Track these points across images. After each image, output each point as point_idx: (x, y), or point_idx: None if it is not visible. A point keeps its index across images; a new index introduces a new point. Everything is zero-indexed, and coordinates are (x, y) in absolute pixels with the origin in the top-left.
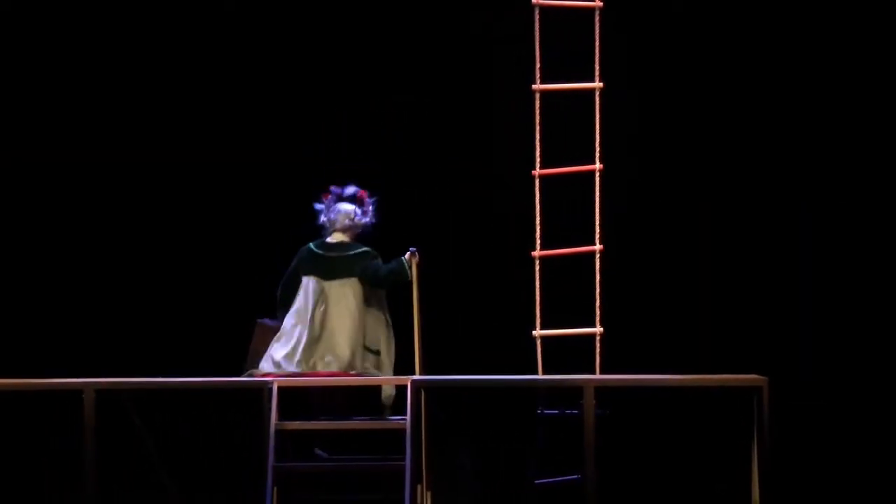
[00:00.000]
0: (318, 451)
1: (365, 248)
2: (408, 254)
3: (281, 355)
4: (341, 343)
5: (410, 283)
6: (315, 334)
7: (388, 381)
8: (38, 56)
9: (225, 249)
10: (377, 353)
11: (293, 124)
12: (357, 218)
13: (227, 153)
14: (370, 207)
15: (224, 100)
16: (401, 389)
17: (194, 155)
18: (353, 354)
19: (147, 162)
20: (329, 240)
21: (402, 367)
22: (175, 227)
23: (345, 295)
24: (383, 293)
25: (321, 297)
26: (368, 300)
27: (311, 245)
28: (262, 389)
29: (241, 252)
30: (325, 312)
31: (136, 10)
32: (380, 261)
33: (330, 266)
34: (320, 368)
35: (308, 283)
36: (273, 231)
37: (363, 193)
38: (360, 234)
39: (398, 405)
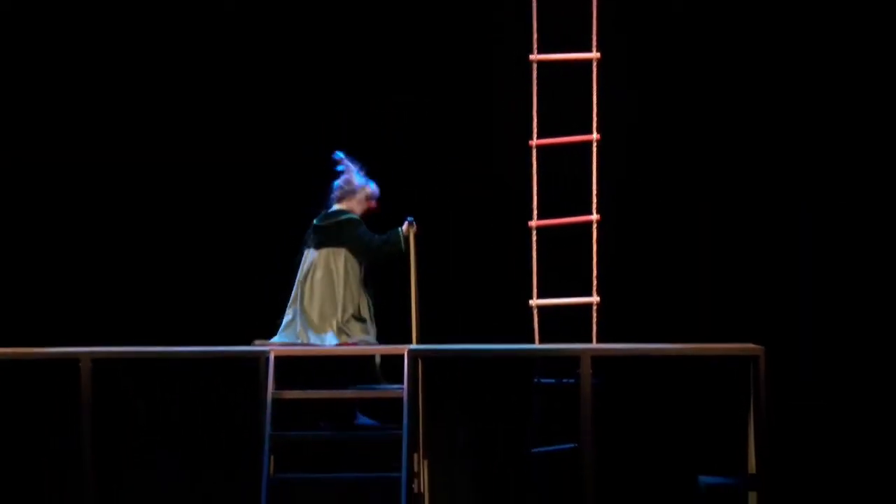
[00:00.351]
0: (322, 425)
1: (350, 215)
2: (405, 224)
3: (282, 325)
4: (315, 310)
5: (406, 254)
6: (304, 304)
7: (384, 350)
8: (38, 51)
9: (223, 224)
10: (363, 320)
11: (293, 124)
12: (344, 183)
13: (226, 152)
14: (349, 164)
15: (224, 100)
16: (398, 359)
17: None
18: (323, 321)
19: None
20: (329, 211)
21: (399, 336)
22: (175, 197)
23: (329, 263)
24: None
25: (311, 267)
26: (356, 268)
27: (316, 218)
28: (258, 359)
29: (239, 227)
30: (311, 280)
31: (137, 9)
32: (363, 229)
33: (321, 235)
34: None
35: (306, 254)
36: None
37: (339, 157)
38: (364, 198)
39: (396, 374)
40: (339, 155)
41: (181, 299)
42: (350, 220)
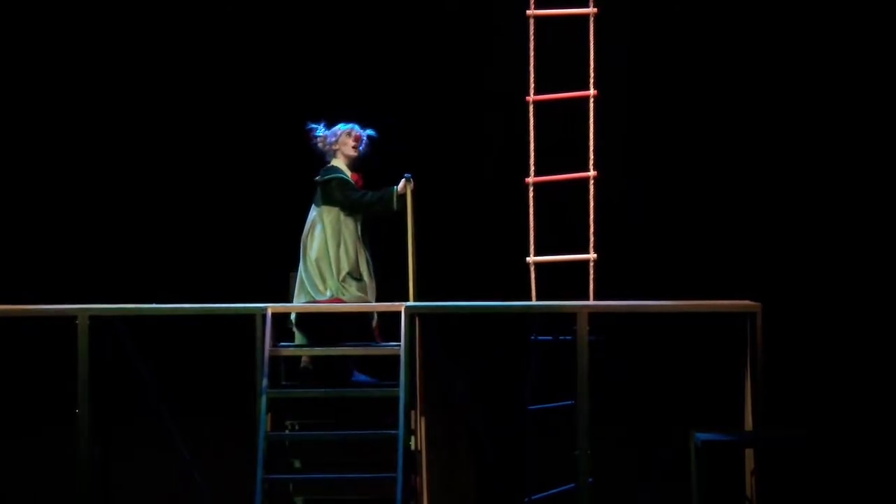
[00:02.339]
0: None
1: (338, 174)
2: (402, 182)
3: (296, 285)
4: (313, 267)
5: (401, 212)
6: (305, 261)
7: (381, 307)
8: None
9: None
10: (359, 279)
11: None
12: (323, 141)
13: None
14: (320, 127)
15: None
16: (394, 316)
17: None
18: (321, 279)
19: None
20: (324, 168)
21: (396, 293)
22: (176, 154)
23: (325, 220)
24: (357, 220)
25: (311, 224)
26: (350, 226)
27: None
28: (255, 316)
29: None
30: (311, 237)
31: None
32: (351, 185)
33: (318, 192)
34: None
35: (310, 211)
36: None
37: (310, 127)
38: (346, 139)
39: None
40: (309, 125)
41: (181, 257)
42: (338, 180)
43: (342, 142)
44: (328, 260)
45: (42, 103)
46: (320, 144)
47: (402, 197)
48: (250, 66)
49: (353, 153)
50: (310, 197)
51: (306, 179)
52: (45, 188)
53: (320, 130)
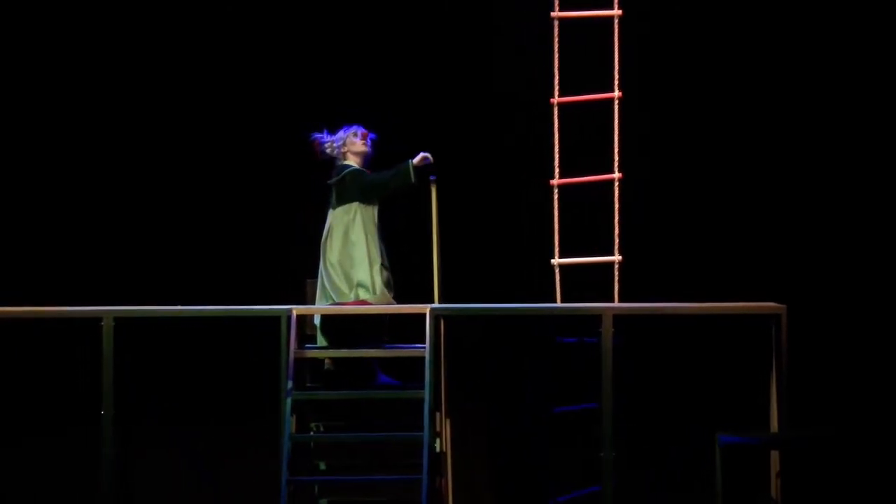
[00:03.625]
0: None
1: (353, 167)
2: (417, 157)
3: (318, 288)
4: (336, 269)
5: (417, 185)
6: (326, 264)
7: (406, 309)
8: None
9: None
10: (388, 268)
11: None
12: (331, 147)
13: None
14: (324, 135)
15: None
16: (420, 317)
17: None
18: (343, 280)
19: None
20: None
21: (421, 295)
22: (199, 157)
23: (345, 221)
24: (374, 213)
25: (329, 227)
26: (371, 224)
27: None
28: (279, 318)
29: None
30: (331, 240)
31: None
32: (366, 172)
33: (334, 194)
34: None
35: (328, 216)
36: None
37: (314, 138)
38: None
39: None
40: (312, 137)
41: (205, 259)
42: (351, 173)
43: (349, 142)
44: (351, 261)
45: (64, 107)
46: (328, 150)
47: (419, 169)
48: (272, 70)
49: (363, 149)
50: (327, 200)
51: (323, 183)
52: (70, 192)
53: (325, 137)
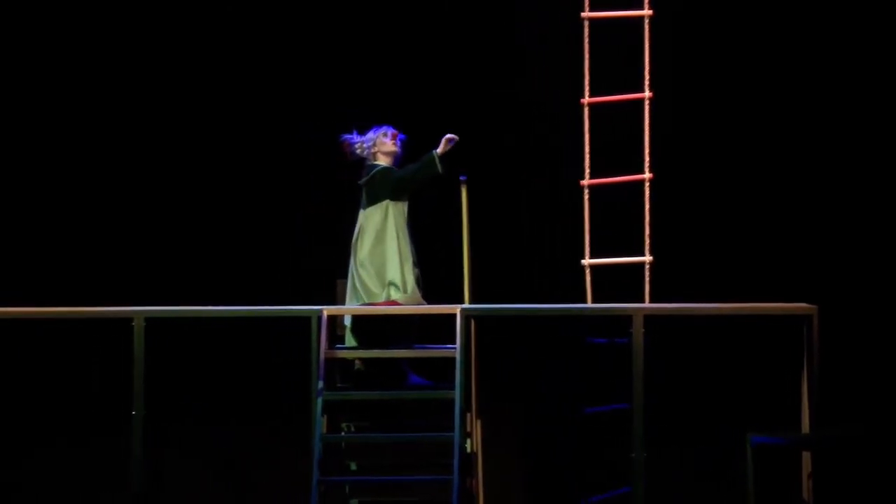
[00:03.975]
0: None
1: (381, 165)
2: (441, 145)
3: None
4: (365, 269)
5: (445, 175)
6: (356, 264)
7: (436, 310)
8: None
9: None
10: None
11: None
12: (360, 148)
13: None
14: (353, 136)
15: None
16: (450, 318)
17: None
18: (374, 279)
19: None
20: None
21: (452, 295)
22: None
23: (374, 221)
24: (405, 211)
25: (360, 227)
26: (401, 222)
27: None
28: (310, 318)
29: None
30: (361, 240)
31: None
32: (395, 169)
33: (364, 194)
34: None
35: (358, 216)
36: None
37: (343, 140)
38: (383, 139)
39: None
40: (342, 138)
41: (236, 260)
42: (380, 171)
43: (379, 142)
44: (382, 260)
45: (96, 113)
46: (358, 151)
47: (445, 158)
48: (303, 70)
49: (393, 149)
50: (357, 200)
51: (353, 184)
52: (99, 193)
53: (355, 138)
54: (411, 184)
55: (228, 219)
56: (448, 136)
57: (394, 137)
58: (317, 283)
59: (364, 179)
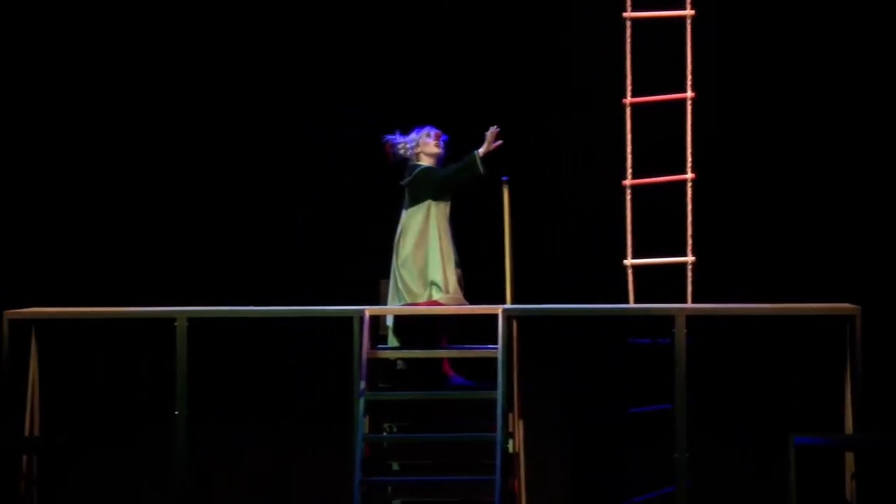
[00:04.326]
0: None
1: (423, 165)
2: (484, 144)
3: (389, 289)
4: (406, 269)
5: (487, 176)
6: (397, 264)
7: (478, 310)
8: None
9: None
10: (459, 266)
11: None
12: (403, 148)
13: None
14: (396, 137)
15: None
16: (493, 318)
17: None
18: (415, 279)
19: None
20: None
21: (493, 295)
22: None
23: (416, 222)
24: (447, 211)
25: (402, 228)
26: (443, 222)
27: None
28: (352, 318)
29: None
30: (403, 241)
31: None
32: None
33: (406, 194)
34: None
35: (400, 217)
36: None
37: (386, 140)
38: (426, 139)
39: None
40: (385, 139)
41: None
42: (422, 171)
43: (422, 143)
44: (425, 260)
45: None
46: (402, 152)
47: (487, 159)
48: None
49: (436, 150)
50: (399, 202)
51: (395, 185)
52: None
53: (398, 139)
54: (453, 183)
55: (273, 219)
56: (493, 129)
57: (437, 138)
58: (361, 283)
59: (406, 180)
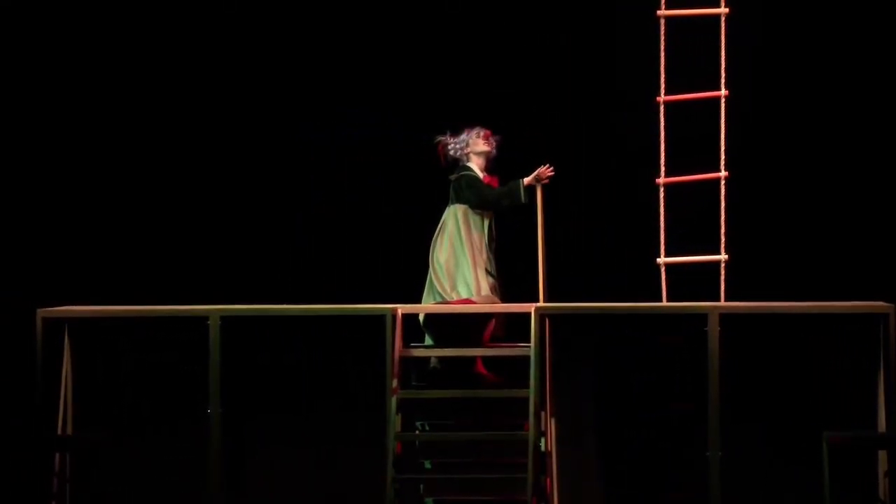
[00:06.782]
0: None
1: (467, 173)
2: (533, 175)
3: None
4: (442, 266)
5: (529, 204)
6: (434, 259)
7: (511, 308)
8: None
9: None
10: (493, 275)
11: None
12: (454, 149)
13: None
14: (447, 138)
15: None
16: (526, 317)
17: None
18: (449, 277)
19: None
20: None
21: (526, 294)
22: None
23: (455, 219)
24: (487, 221)
25: (442, 222)
26: (479, 224)
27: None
28: (384, 316)
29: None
30: (441, 236)
31: None
32: (479, 184)
33: (451, 191)
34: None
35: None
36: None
37: (438, 141)
38: (477, 139)
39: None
40: (438, 139)
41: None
42: (468, 178)
43: (473, 143)
44: (455, 260)
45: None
46: (452, 152)
47: (530, 188)
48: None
49: (486, 148)
50: (441, 199)
51: (438, 183)
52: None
53: (449, 139)
54: (493, 207)
55: (307, 217)
56: (548, 168)
57: (486, 137)
58: (395, 280)
59: (454, 175)
